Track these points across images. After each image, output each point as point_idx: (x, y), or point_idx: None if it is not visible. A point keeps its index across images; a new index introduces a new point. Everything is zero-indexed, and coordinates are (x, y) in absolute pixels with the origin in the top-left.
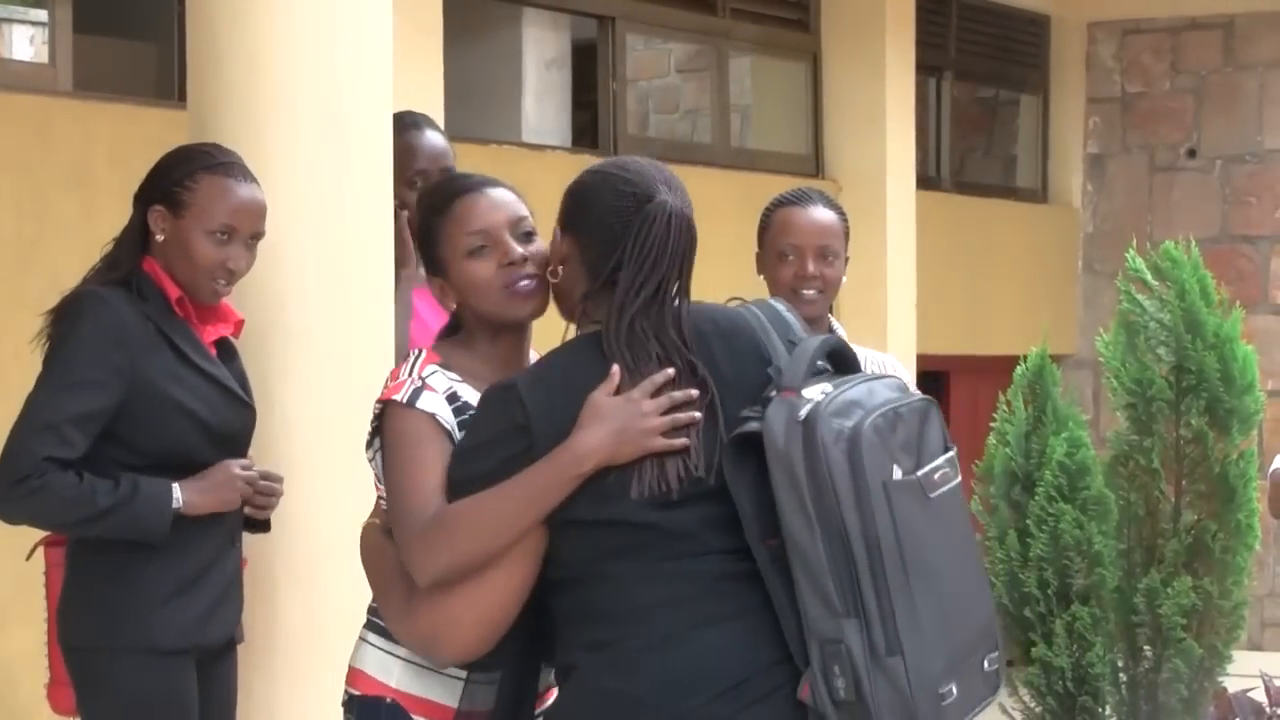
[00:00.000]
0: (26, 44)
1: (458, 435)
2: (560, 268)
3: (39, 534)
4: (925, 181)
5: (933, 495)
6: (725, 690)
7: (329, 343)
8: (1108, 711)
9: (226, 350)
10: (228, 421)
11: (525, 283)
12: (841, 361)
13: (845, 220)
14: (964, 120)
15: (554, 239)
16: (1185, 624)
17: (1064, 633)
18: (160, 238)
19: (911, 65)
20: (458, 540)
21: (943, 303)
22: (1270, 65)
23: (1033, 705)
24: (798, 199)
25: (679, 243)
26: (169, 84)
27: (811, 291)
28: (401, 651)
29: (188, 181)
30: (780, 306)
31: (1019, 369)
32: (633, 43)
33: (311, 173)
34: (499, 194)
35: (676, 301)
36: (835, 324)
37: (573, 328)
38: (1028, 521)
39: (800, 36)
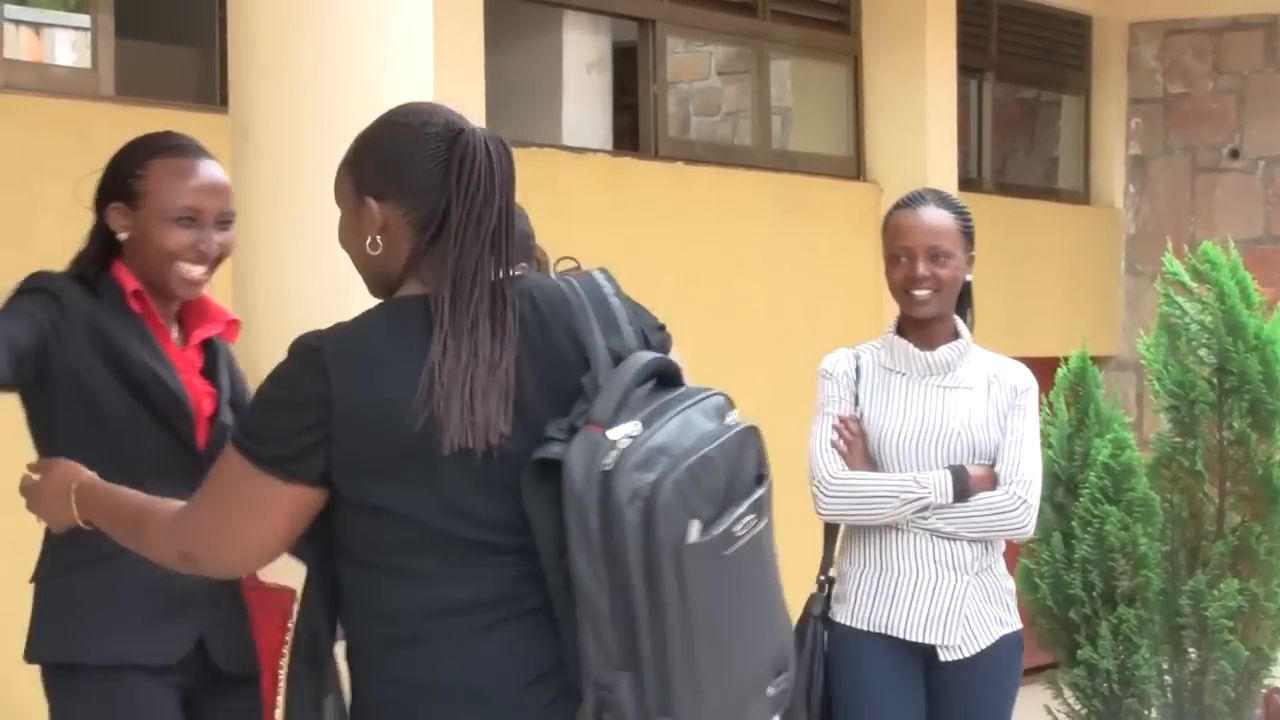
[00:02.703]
0: (69, 49)
1: None
2: (378, 238)
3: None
4: (967, 183)
5: (728, 552)
6: (542, 675)
7: None
8: (1153, 714)
9: (212, 353)
10: (154, 422)
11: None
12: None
13: (964, 218)
14: (1005, 121)
15: (354, 211)
16: (1231, 626)
17: (1109, 635)
18: (124, 236)
19: (953, 66)
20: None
21: (984, 304)
22: None
23: (1078, 707)
24: (909, 202)
25: (503, 168)
26: (210, 88)
27: (924, 292)
28: None
29: (139, 171)
30: (607, 287)
31: (1061, 370)
32: (673, 45)
33: None
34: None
35: (508, 243)
36: (960, 325)
37: None
38: (1072, 523)
39: (841, 38)
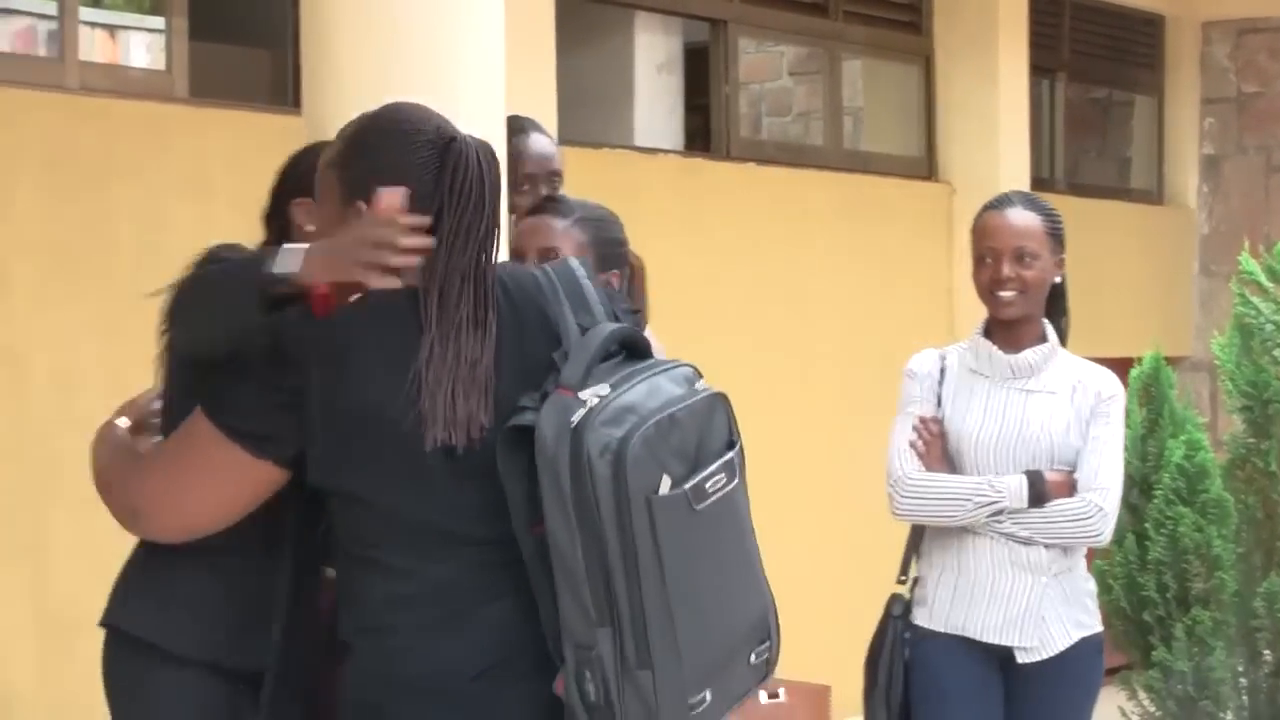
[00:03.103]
0: (143, 51)
1: None
2: None
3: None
4: (1039, 183)
5: (700, 506)
6: (491, 667)
7: None
8: (1229, 716)
9: None
10: None
11: None
12: (635, 349)
13: (1053, 220)
14: (1078, 121)
15: (340, 213)
16: None
17: (1184, 636)
18: (311, 229)
19: (1025, 66)
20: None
21: None
22: None
23: (1153, 709)
24: (997, 204)
25: (492, 177)
26: (283, 90)
27: (1009, 293)
28: None
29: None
30: (579, 271)
31: (1134, 371)
32: (744, 46)
33: None
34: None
35: (494, 248)
36: (1049, 329)
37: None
38: (1146, 525)
39: (913, 39)
